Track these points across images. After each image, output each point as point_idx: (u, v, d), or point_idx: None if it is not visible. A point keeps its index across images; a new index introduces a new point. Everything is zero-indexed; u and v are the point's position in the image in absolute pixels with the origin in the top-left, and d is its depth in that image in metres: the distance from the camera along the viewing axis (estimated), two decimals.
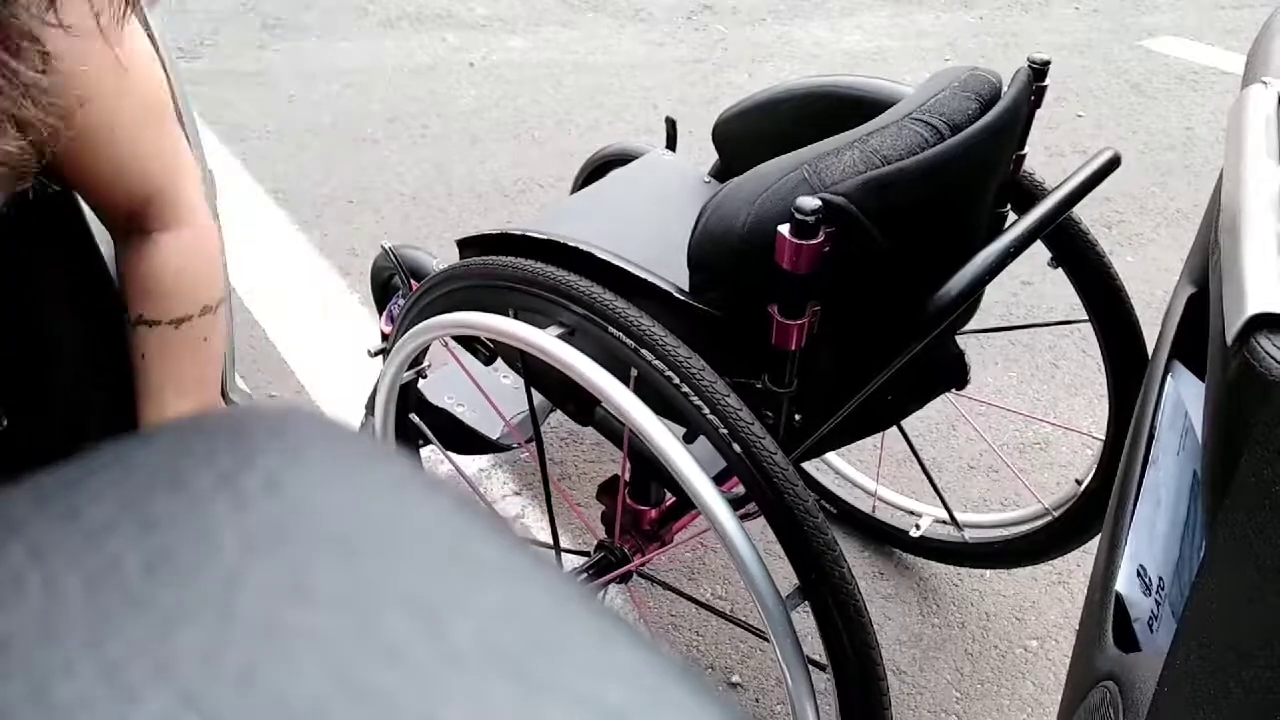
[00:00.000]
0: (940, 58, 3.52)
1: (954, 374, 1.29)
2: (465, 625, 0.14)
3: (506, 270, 1.00)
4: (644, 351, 0.89)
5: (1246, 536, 0.52)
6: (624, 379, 0.91)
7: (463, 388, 1.44)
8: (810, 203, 0.82)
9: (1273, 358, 0.50)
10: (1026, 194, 1.17)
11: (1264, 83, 0.72)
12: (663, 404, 0.90)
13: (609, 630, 0.15)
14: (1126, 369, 1.24)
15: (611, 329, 0.91)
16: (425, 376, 1.30)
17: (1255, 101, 0.70)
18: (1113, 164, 1.08)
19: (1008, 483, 1.77)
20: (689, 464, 0.88)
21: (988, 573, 1.61)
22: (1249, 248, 0.57)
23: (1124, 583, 0.78)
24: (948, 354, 1.28)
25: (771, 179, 0.90)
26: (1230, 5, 4.03)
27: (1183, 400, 0.78)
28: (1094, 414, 1.92)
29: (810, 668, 0.92)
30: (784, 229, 0.83)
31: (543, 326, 0.97)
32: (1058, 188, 1.05)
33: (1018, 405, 1.96)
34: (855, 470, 1.72)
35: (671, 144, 1.58)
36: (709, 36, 3.70)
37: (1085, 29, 3.81)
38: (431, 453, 1.67)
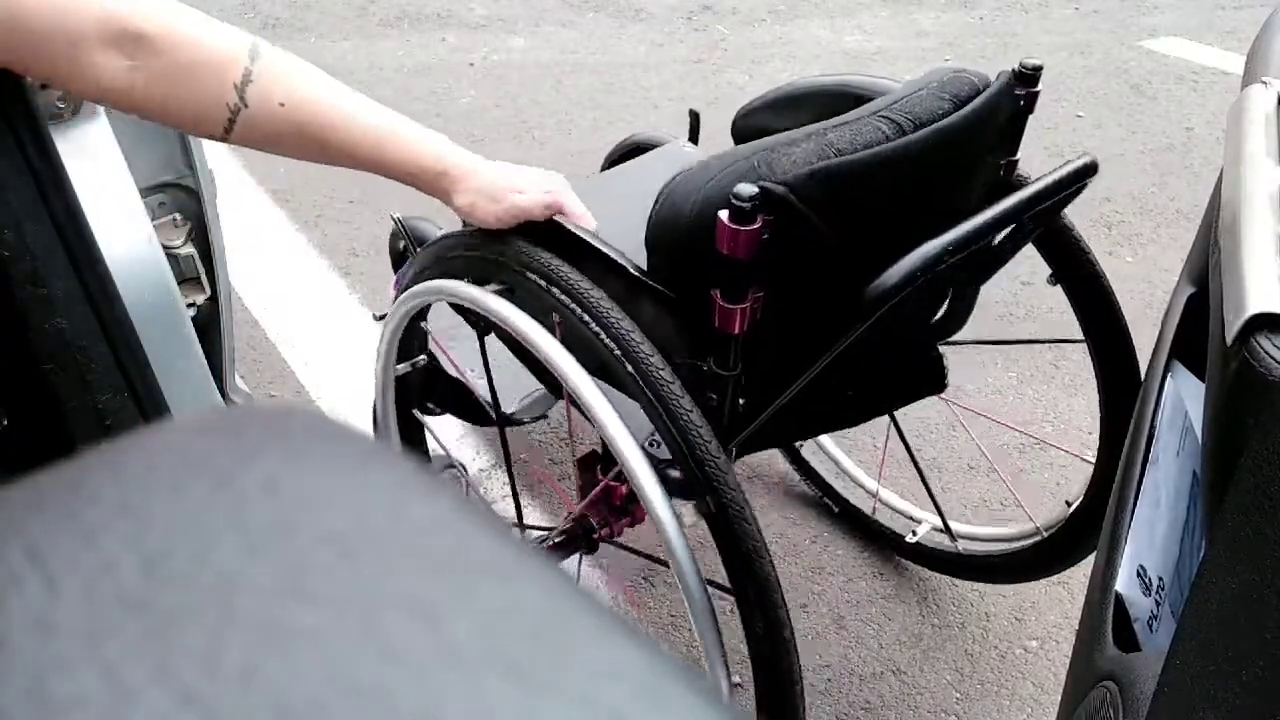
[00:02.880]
0: (940, 58, 3.52)
1: (932, 379, 1.30)
2: (465, 625, 0.14)
3: (466, 239, 1.05)
4: (556, 292, 0.93)
5: (1246, 536, 0.52)
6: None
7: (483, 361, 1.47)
8: (747, 189, 0.84)
9: (1273, 358, 0.50)
10: None
11: (1264, 83, 0.72)
12: (603, 371, 0.94)
13: (609, 630, 0.15)
14: (1119, 392, 1.23)
15: (539, 279, 0.95)
16: (417, 368, 1.35)
17: (1255, 101, 0.70)
18: (1086, 171, 1.06)
19: (1007, 483, 1.77)
20: (600, 399, 0.91)
21: None
22: (1249, 248, 0.57)
23: (1124, 583, 0.78)
24: (925, 358, 1.28)
25: (722, 166, 0.92)
26: (1230, 5, 4.03)
27: (1182, 400, 0.78)
28: (1093, 415, 1.91)
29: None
30: (723, 214, 0.85)
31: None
32: (1016, 193, 1.03)
33: (1017, 405, 1.96)
34: (860, 469, 1.72)
35: (694, 137, 1.59)
36: (709, 36, 3.70)
37: (1085, 29, 3.81)
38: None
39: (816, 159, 0.90)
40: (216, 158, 2.70)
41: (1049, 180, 1.03)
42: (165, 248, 1.03)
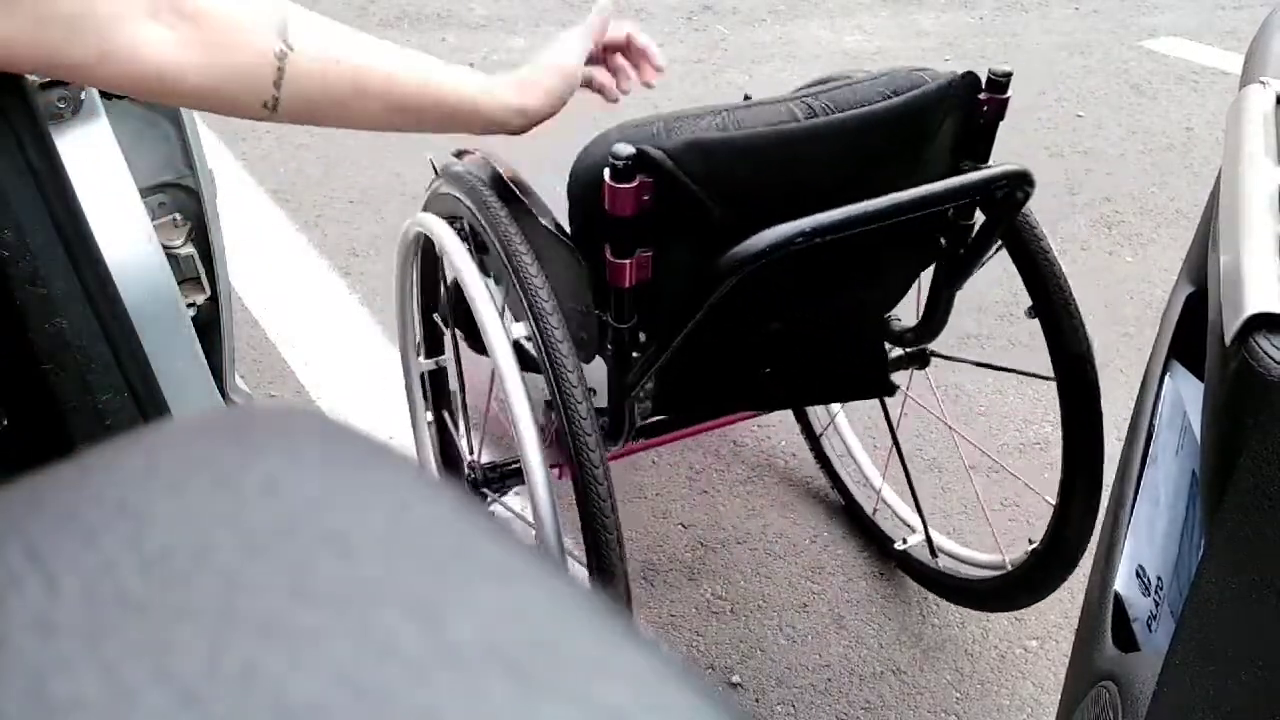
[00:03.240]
0: (940, 58, 3.52)
1: (875, 381, 1.31)
2: (465, 625, 0.14)
3: (440, 178, 1.19)
4: (468, 201, 1.09)
5: (1245, 536, 0.52)
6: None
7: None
8: (624, 149, 0.89)
9: (1271, 358, 0.50)
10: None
11: (1262, 83, 0.72)
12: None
13: (609, 630, 0.15)
14: (1079, 437, 1.22)
15: (465, 199, 1.10)
16: (443, 367, 1.46)
17: (1253, 101, 0.70)
18: (1006, 179, 1.01)
19: (1007, 484, 1.77)
20: (482, 291, 1.06)
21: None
22: (1248, 247, 0.57)
23: (1123, 582, 0.79)
24: (866, 356, 1.29)
25: (630, 128, 0.97)
26: (1230, 5, 4.03)
27: (1181, 400, 0.78)
28: None
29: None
30: (606, 172, 0.91)
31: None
32: (905, 191, 1.00)
33: (1017, 405, 1.96)
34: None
35: None
36: (709, 36, 3.70)
37: (1085, 29, 3.81)
38: None
39: (714, 131, 0.94)
40: (216, 158, 2.70)
41: (951, 183, 1.00)
42: (165, 248, 1.03)
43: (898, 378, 1.41)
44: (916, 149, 1.03)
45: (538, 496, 1.01)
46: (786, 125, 0.95)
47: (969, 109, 1.04)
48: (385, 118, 0.76)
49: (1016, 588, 1.38)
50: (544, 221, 1.06)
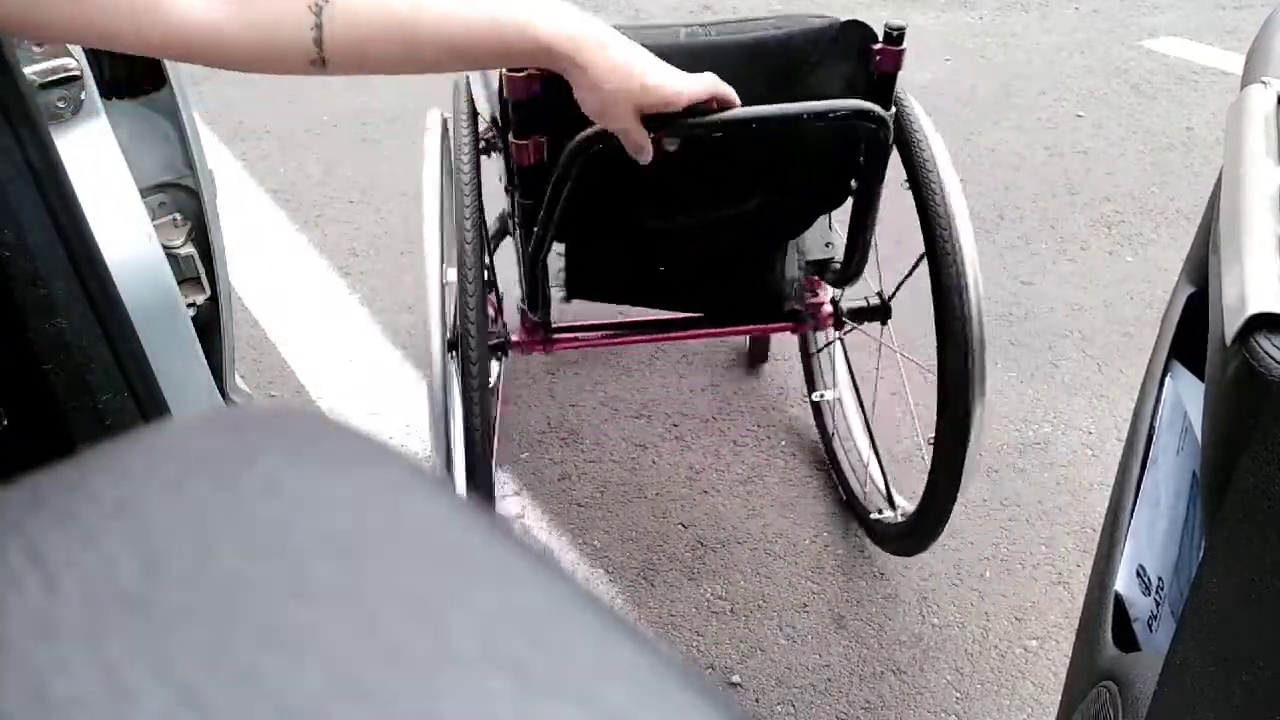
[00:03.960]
0: (940, 58, 3.52)
1: (767, 304, 1.41)
2: (465, 625, 0.14)
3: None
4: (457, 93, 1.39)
5: (1245, 536, 0.52)
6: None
7: None
8: None
9: (1272, 358, 0.50)
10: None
11: (1263, 82, 0.72)
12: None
13: (609, 630, 0.15)
14: (947, 308, 1.26)
15: (460, 92, 1.39)
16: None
17: (1255, 101, 0.70)
18: (855, 113, 1.07)
19: (1007, 483, 1.77)
20: (433, 166, 1.37)
21: (987, 573, 1.61)
22: (1249, 248, 0.57)
23: (1123, 583, 0.79)
24: (763, 280, 1.39)
25: None
26: (1230, 5, 4.03)
27: (1182, 400, 0.78)
28: (1094, 414, 1.92)
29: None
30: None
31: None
32: (749, 108, 1.03)
33: (1017, 405, 1.95)
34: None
35: None
36: None
37: (1085, 29, 3.81)
38: None
39: None
40: (217, 158, 2.70)
41: (787, 107, 1.05)
42: (165, 248, 1.03)
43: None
44: (787, 80, 1.11)
45: (432, 361, 1.24)
46: (664, 42, 1.04)
47: (862, 57, 1.11)
48: (442, 62, 0.74)
49: (913, 525, 1.46)
50: (482, 111, 1.29)
